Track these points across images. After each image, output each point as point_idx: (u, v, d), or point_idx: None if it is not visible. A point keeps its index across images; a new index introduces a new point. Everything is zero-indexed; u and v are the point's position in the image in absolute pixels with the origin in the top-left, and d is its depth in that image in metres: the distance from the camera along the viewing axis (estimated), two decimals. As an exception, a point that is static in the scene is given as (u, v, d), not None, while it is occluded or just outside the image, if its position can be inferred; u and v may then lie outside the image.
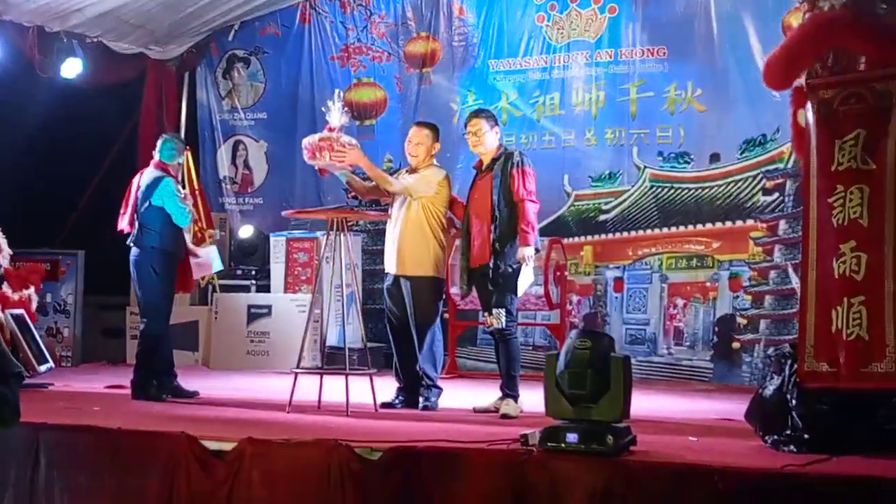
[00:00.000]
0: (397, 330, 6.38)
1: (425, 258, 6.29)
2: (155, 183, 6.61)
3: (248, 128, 10.30)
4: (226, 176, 10.30)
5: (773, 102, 7.93)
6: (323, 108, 6.44)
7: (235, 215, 10.19)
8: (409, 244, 6.30)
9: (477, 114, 6.39)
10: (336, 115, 6.25)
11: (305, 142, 6.27)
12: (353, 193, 9.04)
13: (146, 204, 6.59)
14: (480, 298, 6.27)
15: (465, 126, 6.40)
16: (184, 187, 6.83)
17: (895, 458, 4.28)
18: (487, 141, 6.23)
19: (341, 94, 6.50)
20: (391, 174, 6.79)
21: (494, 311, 6.03)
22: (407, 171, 6.54)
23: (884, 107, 4.52)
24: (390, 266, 6.41)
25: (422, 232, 6.29)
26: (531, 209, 6.04)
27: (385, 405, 6.22)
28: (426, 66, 9.63)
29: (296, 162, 9.98)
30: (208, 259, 7.15)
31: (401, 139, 9.39)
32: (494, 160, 6.20)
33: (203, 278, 9.13)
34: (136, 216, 6.64)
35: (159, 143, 6.85)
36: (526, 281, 6.06)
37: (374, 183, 6.58)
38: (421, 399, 6.21)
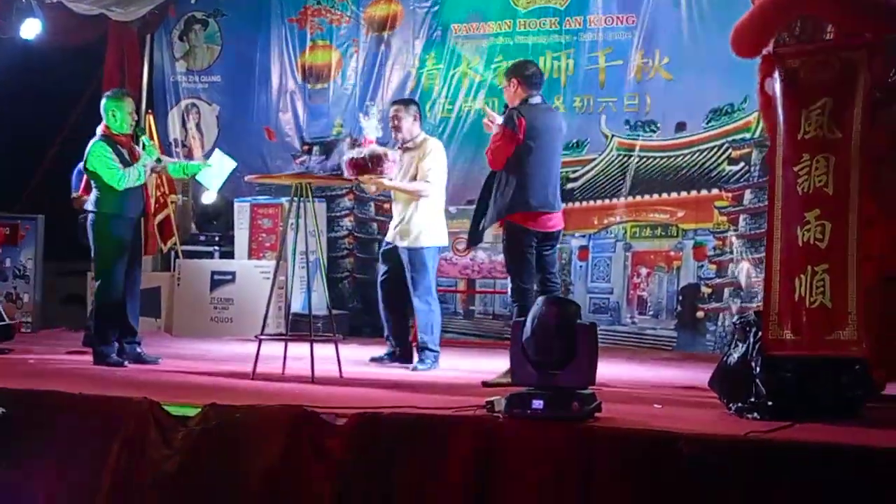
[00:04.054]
0: (393, 296, 6.76)
1: (430, 227, 6.65)
2: (89, 147, 6.52)
3: (202, 91, 10.17)
4: (175, 139, 10.17)
5: (740, 72, 7.93)
6: (361, 122, 6.76)
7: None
8: (417, 216, 6.62)
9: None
10: (373, 128, 6.51)
11: (349, 158, 6.37)
12: (301, 159, 9.24)
13: (85, 170, 6.55)
14: None
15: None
16: (137, 144, 6.69)
17: (856, 424, 4.35)
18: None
19: (375, 108, 7.06)
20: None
21: None
22: (399, 148, 6.77)
23: (850, 76, 4.53)
24: (401, 239, 6.68)
25: (427, 203, 6.65)
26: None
27: (374, 359, 6.82)
28: (386, 30, 9.55)
29: (246, 126, 9.94)
30: (220, 163, 7.05)
31: (354, 104, 9.46)
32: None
33: (166, 244, 9.05)
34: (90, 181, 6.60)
35: None
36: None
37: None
38: (417, 362, 6.58)
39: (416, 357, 6.72)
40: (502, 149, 5.93)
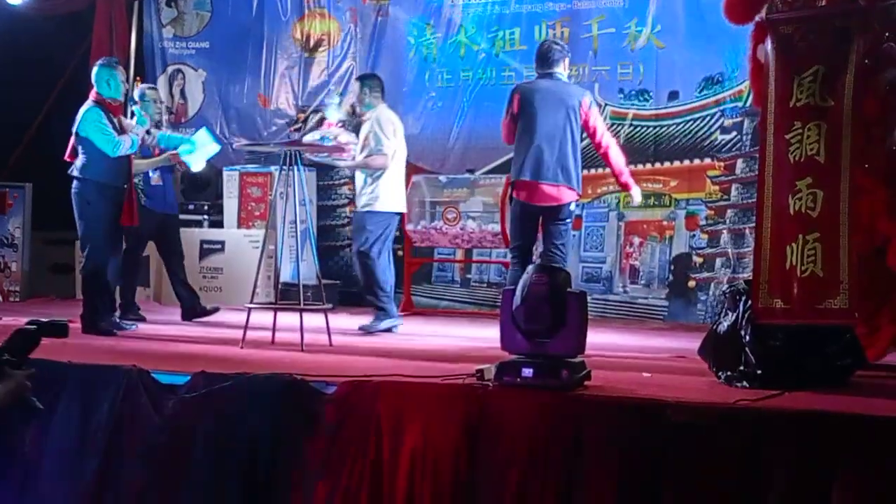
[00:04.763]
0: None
1: (383, 194, 6.86)
2: (82, 113, 6.46)
3: (189, 57, 10.08)
4: (165, 105, 10.10)
5: (732, 40, 7.89)
6: (324, 103, 7.09)
7: None
8: (368, 184, 6.86)
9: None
10: (334, 112, 6.84)
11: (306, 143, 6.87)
12: (295, 127, 9.28)
13: (76, 135, 6.46)
14: None
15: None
16: (126, 114, 6.66)
17: (845, 393, 4.36)
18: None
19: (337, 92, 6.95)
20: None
21: None
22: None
23: (843, 43, 4.50)
24: (359, 206, 6.98)
25: (379, 171, 6.88)
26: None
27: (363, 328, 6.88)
28: (385, -1, 9.48)
29: (239, 93, 9.85)
30: (204, 143, 7.12)
31: (351, 73, 9.38)
32: None
33: None
34: (76, 147, 6.53)
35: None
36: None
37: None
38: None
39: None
40: (503, 124, 6.36)
